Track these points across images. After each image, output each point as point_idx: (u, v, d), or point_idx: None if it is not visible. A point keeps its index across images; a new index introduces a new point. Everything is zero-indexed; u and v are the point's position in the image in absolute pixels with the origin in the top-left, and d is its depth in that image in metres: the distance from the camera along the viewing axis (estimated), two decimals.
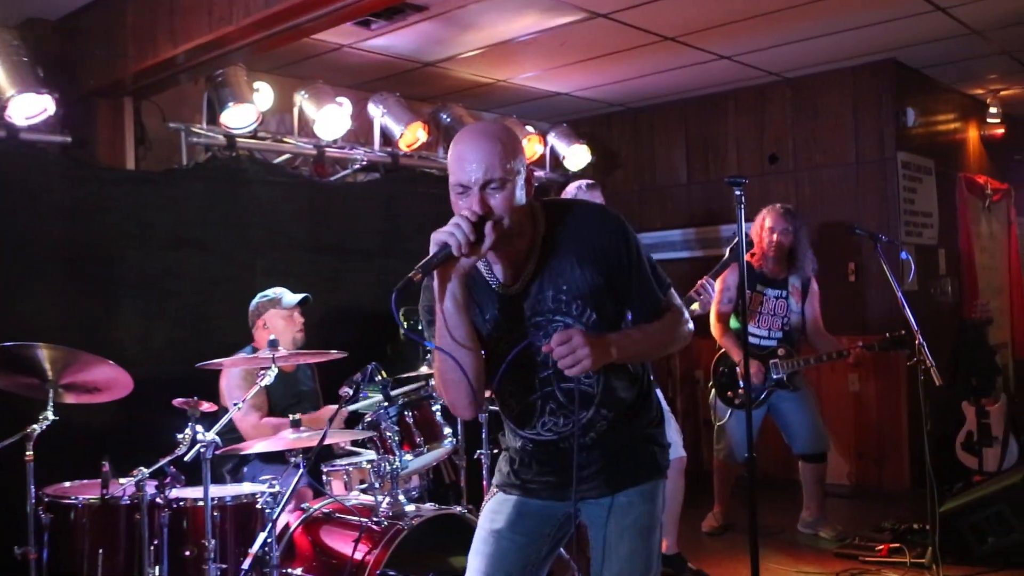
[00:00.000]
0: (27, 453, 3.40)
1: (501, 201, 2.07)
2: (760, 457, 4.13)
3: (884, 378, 6.47)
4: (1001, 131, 7.93)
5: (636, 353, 2.29)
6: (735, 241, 4.87)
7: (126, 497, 3.44)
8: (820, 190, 6.80)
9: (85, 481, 3.75)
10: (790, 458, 5.47)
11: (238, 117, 5.21)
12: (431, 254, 2.02)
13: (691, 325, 2.37)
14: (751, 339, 5.21)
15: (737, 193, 3.68)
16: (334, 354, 3.92)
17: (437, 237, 2.03)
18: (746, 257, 5.08)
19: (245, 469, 4.21)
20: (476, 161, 2.06)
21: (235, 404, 3.60)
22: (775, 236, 5.21)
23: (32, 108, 4.54)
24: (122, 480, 3.44)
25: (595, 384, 2.29)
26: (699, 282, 4.77)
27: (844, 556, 4.97)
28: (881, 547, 4.93)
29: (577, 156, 7.17)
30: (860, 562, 4.85)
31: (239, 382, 4.20)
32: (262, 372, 3.58)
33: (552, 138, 7.19)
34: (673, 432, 4.68)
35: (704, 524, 5.59)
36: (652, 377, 2.50)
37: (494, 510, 2.44)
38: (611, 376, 2.30)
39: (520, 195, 2.12)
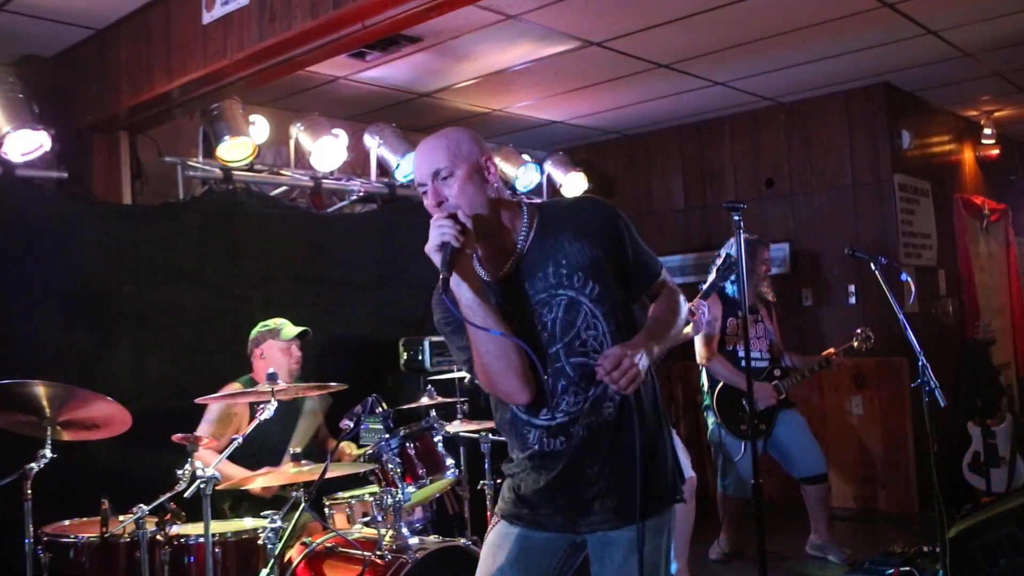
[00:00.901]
0: (25, 491, 3.36)
1: (454, 189, 2.22)
2: (765, 482, 4.09)
3: (888, 401, 6.43)
4: (996, 152, 7.96)
5: (661, 341, 2.27)
6: (722, 261, 4.86)
7: (126, 535, 3.39)
8: (817, 213, 6.81)
9: (84, 519, 3.69)
10: (795, 482, 5.42)
11: (234, 150, 5.22)
12: (441, 259, 2.13)
13: (684, 304, 2.44)
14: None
15: (736, 218, 3.68)
16: (333, 386, 3.89)
17: (432, 244, 2.15)
18: (727, 283, 5.14)
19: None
20: (423, 159, 2.27)
21: (233, 439, 3.56)
22: (769, 266, 5.41)
23: (28, 144, 4.54)
24: (122, 518, 3.40)
25: None
26: (691, 303, 4.74)
27: None
28: (891, 571, 4.86)
29: (574, 184, 7.18)
30: None
31: (216, 417, 4.20)
32: (262, 405, 3.54)
33: (548, 166, 7.20)
34: (681, 453, 4.64)
35: (711, 551, 5.53)
36: (659, 397, 2.42)
37: (495, 544, 2.37)
38: None
39: (475, 184, 2.24)
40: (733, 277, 5.19)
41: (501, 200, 2.30)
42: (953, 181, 7.63)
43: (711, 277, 5.06)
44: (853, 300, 6.56)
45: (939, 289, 7.09)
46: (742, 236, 3.70)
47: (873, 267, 4.63)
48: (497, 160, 6.86)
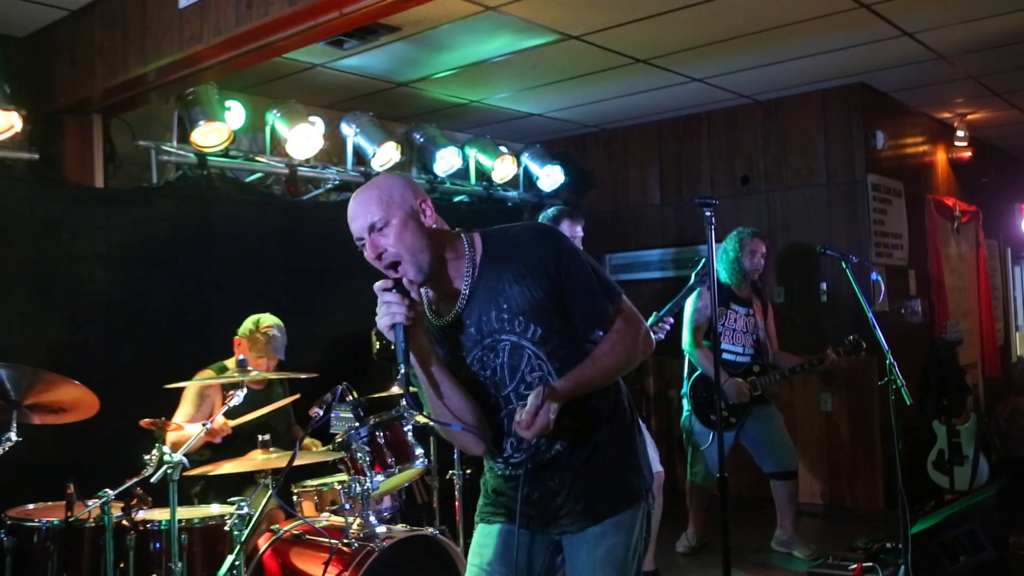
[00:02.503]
0: None
1: (391, 238, 2.20)
2: (733, 477, 4.13)
3: (856, 398, 6.50)
4: (968, 154, 8.04)
5: (590, 387, 2.27)
6: (699, 267, 4.89)
7: (91, 519, 3.38)
8: (791, 211, 6.85)
9: (49, 503, 3.67)
10: (763, 478, 5.47)
11: (209, 136, 5.18)
12: (396, 344, 2.13)
13: (652, 336, 2.40)
14: (727, 355, 5.27)
15: (707, 214, 3.71)
16: (302, 376, 3.89)
17: (383, 323, 2.14)
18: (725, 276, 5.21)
19: None
20: (357, 214, 2.24)
21: (203, 424, 3.55)
22: (760, 259, 5.36)
23: None
24: (88, 502, 3.38)
25: None
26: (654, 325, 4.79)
27: (818, 575, 4.96)
28: (854, 566, 4.91)
29: (551, 177, 7.19)
30: None
31: (190, 398, 4.20)
32: (232, 392, 3.53)
33: (526, 159, 7.21)
34: (650, 448, 4.68)
35: (679, 544, 5.57)
36: (627, 396, 2.45)
37: (480, 544, 2.41)
38: None
39: (412, 230, 2.22)
40: (727, 269, 5.27)
41: (442, 239, 2.29)
42: (926, 182, 7.71)
43: (691, 281, 5.11)
44: (825, 298, 6.61)
45: (909, 289, 7.16)
46: (713, 232, 3.71)
47: (844, 266, 4.68)
48: (474, 152, 6.90)
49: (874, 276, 5.18)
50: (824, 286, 6.62)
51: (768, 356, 5.45)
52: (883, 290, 5.50)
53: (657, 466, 4.66)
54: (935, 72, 6.35)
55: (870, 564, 4.89)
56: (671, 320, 4.91)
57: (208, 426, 3.53)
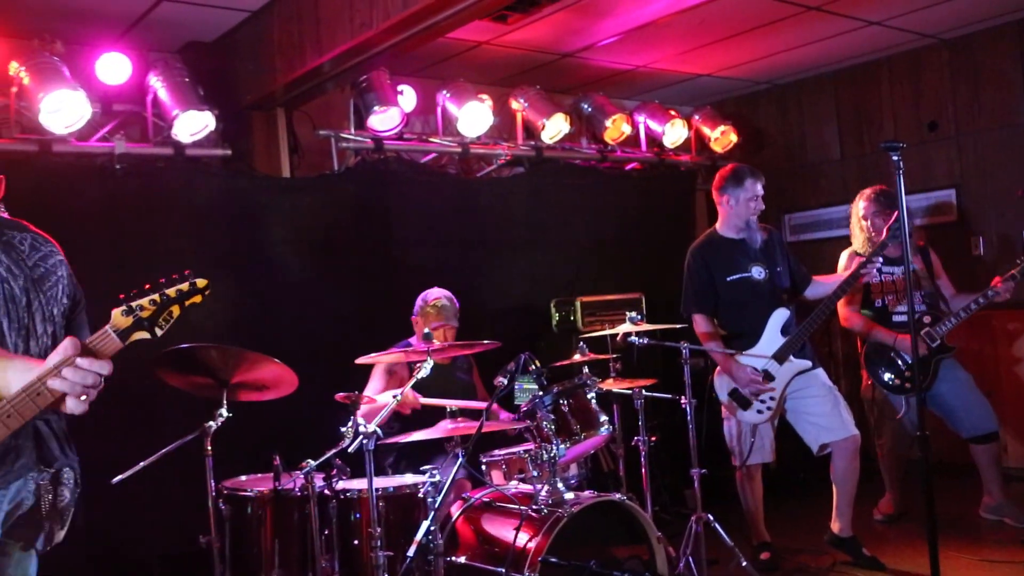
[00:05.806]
0: (206, 448, 3.60)
1: None
2: (932, 441, 3.87)
3: None
4: None
5: None
6: (894, 220, 4.63)
7: (296, 489, 3.59)
8: (986, 156, 6.40)
9: (258, 475, 3.93)
10: (961, 440, 5.15)
11: (384, 120, 5.36)
12: None
13: None
14: (898, 318, 5.01)
15: (895, 159, 3.51)
16: (485, 344, 3.96)
17: None
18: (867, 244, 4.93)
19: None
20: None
21: (393, 396, 3.69)
22: (872, 220, 5.08)
23: (195, 125, 4.81)
24: (293, 473, 3.59)
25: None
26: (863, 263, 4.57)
27: None
28: None
29: (723, 138, 7.02)
30: None
31: (379, 373, 4.42)
32: (419, 364, 3.65)
33: (696, 121, 7.07)
34: (843, 410, 4.51)
35: (876, 511, 5.35)
36: None
37: None
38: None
39: None
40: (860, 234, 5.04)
41: None
42: None
43: (882, 236, 4.82)
44: None
45: None
46: (901, 177, 3.50)
47: None
48: (643, 118, 6.79)
49: None
50: None
51: (942, 306, 5.08)
52: None
53: (852, 429, 4.50)
54: None
55: None
56: (880, 260, 4.65)
57: (398, 397, 3.66)
